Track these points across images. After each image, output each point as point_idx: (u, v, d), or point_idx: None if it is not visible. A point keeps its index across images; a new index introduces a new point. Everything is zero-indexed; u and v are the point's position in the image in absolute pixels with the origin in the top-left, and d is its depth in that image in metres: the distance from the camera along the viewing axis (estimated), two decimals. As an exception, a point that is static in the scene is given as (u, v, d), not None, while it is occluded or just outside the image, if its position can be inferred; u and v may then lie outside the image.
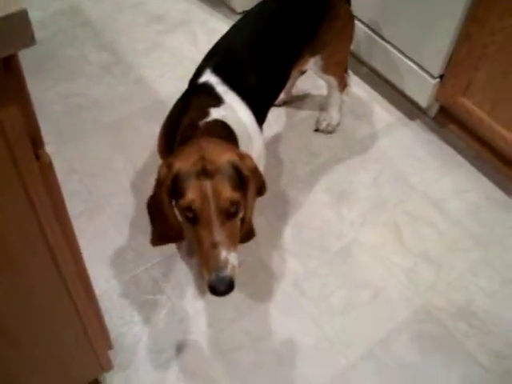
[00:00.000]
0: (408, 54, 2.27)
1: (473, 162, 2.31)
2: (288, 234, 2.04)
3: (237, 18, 2.67)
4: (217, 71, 1.64)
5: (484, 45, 1.98)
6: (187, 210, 1.37)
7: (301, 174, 2.21)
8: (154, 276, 1.90)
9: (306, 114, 2.42)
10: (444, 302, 1.92)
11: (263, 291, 1.90)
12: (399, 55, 2.30)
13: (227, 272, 1.36)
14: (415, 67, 2.26)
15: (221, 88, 1.62)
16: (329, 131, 2.35)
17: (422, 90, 2.29)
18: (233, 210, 1.38)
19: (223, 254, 1.36)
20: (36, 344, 1.19)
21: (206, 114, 1.54)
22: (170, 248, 1.97)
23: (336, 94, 2.28)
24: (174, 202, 1.43)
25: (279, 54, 1.81)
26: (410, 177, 2.24)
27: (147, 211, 1.53)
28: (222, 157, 1.39)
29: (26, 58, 2.49)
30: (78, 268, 1.16)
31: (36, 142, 0.91)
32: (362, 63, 2.53)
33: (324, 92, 2.40)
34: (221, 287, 1.36)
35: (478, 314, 1.89)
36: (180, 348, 1.76)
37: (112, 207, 2.07)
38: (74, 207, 2.03)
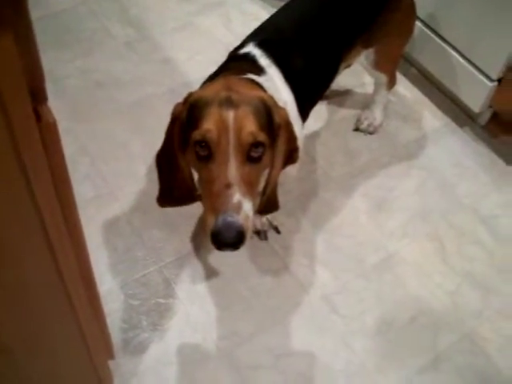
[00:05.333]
0: (465, 54, 2.04)
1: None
2: (320, 240, 1.82)
3: (276, 2, 2.48)
4: (262, 45, 1.43)
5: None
6: (200, 144, 1.14)
7: (337, 176, 1.98)
8: (167, 277, 1.69)
9: (346, 112, 2.19)
10: (491, 332, 1.69)
11: (289, 303, 1.68)
12: (455, 55, 2.07)
13: (238, 217, 1.11)
14: (471, 68, 2.04)
15: (264, 61, 1.41)
16: (369, 131, 2.12)
17: (477, 93, 2.06)
18: (255, 153, 1.16)
19: (237, 196, 1.12)
20: (22, 350, 0.96)
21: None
22: (185, 246, 1.75)
23: (383, 93, 2.06)
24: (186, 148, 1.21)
25: (331, 41, 1.61)
26: (457, 188, 2.01)
27: (156, 163, 1.32)
28: (252, 92, 1.19)
29: (44, 29, 2.31)
30: (79, 262, 0.94)
31: (37, 96, 0.69)
32: (411, 63, 2.30)
33: (368, 90, 2.18)
34: (227, 234, 1.10)
35: (532, 350, 1.66)
36: (191, 362, 1.54)
37: (125, 196, 1.86)
38: (82, 192, 1.83)
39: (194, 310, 1.63)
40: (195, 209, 1.76)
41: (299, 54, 1.50)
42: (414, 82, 2.31)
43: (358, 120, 2.13)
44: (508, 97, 1.98)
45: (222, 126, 1.12)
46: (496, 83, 1.99)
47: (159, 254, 1.73)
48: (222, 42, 2.32)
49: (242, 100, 1.15)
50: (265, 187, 1.31)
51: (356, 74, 2.23)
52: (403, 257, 1.81)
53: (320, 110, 2.16)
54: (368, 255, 1.80)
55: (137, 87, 2.17)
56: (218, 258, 1.73)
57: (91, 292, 1.07)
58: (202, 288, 1.68)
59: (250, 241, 1.77)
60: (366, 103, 2.15)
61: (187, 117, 1.19)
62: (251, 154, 1.16)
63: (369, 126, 2.11)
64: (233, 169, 1.12)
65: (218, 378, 1.52)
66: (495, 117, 2.14)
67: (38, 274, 0.85)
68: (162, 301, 1.64)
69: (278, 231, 1.80)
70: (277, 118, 1.22)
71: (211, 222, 1.12)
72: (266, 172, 1.29)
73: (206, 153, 1.15)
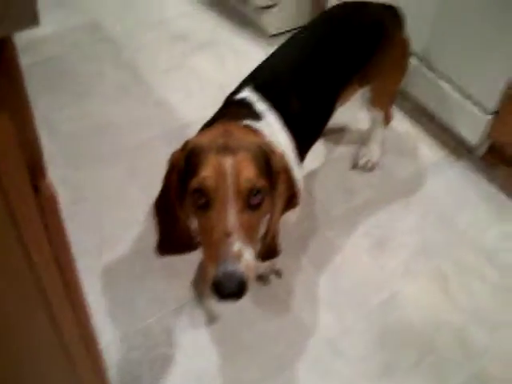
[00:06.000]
0: (460, 87, 2.05)
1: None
2: (322, 281, 1.80)
3: (267, 40, 2.50)
4: (258, 90, 1.42)
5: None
6: (199, 192, 1.12)
7: (337, 215, 1.97)
8: (168, 326, 1.66)
9: (343, 149, 2.19)
10: (501, 370, 1.66)
11: (293, 348, 1.65)
12: (450, 88, 2.08)
13: (239, 266, 1.08)
14: (467, 101, 2.04)
15: (261, 106, 1.40)
16: (368, 168, 2.11)
17: (474, 126, 2.07)
18: (255, 200, 1.14)
19: (237, 244, 1.09)
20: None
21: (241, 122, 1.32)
22: (187, 293, 1.73)
23: (379, 129, 2.06)
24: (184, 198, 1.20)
25: (327, 81, 1.61)
26: (458, 222, 2.00)
27: (153, 212, 1.30)
28: (250, 137, 1.19)
29: (39, 75, 2.31)
30: (80, 326, 0.91)
31: (36, 171, 0.67)
32: (406, 97, 2.30)
33: (363, 125, 2.18)
34: (229, 284, 1.07)
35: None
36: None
37: (124, 243, 1.84)
38: (81, 241, 1.79)
39: (197, 359, 1.60)
40: (196, 254, 1.75)
41: (296, 96, 1.49)
42: (410, 116, 2.31)
43: (356, 157, 2.13)
44: (506, 129, 1.98)
45: (220, 173, 1.11)
46: (493, 115, 1.99)
47: (160, 303, 1.71)
48: (216, 82, 2.32)
49: (239, 146, 1.14)
50: (265, 234, 1.29)
51: (351, 110, 2.23)
52: (406, 295, 1.79)
53: (317, 149, 2.14)
54: (371, 295, 1.78)
55: (132, 131, 2.16)
56: (220, 304, 1.71)
57: (92, 349, 1.04)
58: (204, 336, 1.65)
59: (252, 286, 1.74)
60: (363, 139, 2.15)
61: (185, 164, 1.18)
62: (250, 201, 1.14)
63: (367, 162, 2.11)
64: (232, 217, 1.10)
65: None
66: (493, 148, 2.14)
67: (38, 335, 0.83)
68: (164, 351, 1.61)
69: (279, 276, 1.78)
70: (275, 164, 1.20)
71: (212, 271, 1.10)
72: (266, 218, 1.27)
73: (205, 201, 1.13)
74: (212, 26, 2.62)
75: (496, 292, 1.83)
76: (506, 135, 2.00)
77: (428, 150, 2.22)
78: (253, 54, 2.44)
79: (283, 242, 1.41)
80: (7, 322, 0.77)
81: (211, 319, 1.69)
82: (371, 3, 1.78)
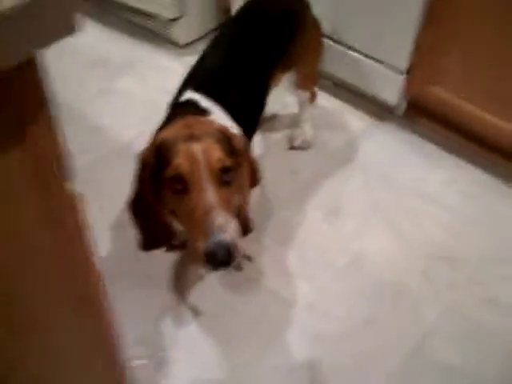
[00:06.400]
0: (371, 55, 2.21)
1: (454, 151, 2.26)
2: (290, 257, 1.91)
3: (181, 50, 2.60)
4: (199, 89, 1.52)
5: (450, 28, 1.93)
6: (175, 179, 1.23)
7: (287, 195, 2.09)
8: (161, 331, 1.72)
9: (278, 135, 2.31)
10: (468, 297, 1.82)
11: (279, 322, 1.75)
12: (362, 58, 2.24)
13: (226, 235, 1.19)
14: (381, 66, 2.21)
15: (205, 103, 1.50)
16: (305, 147, 2.25)
17: (391, 88, 2.24)
18: (227, 177, 1.26)
19: (220, 217, 1.20)
20: None
21: None
22: (168, 299, 1.79)
23: (307, 109, 2.20)
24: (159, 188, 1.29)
25: (255, 70, 1.73)
26: (398, 177, 2.16)
27: (130, 215, 1.38)
28: (210, 125, 1.31)
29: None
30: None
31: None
32: (325, 76, 2.45)
33: (293, 110, 2.31)
34: (220, 252, 1.18)
35: (507, 301, 1.81)
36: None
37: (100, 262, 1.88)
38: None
39: (194, 355, 1.66)
40: (166, 259, 1.84)
41: (233, 89, 1.60)
42: (332, 92, 2.47)
43: (291, 139, 2.25)
44: (419, 83, 2.15)
45: (192, 158, 1.21)
46: (406, 74, 2.17)
47: (145, 311, 1.76)
48: (144, 99, 2.39)
49: (203, 133, 1.25)
50: (238, 210, 1.40)
51: (278, 98, 2.35)
52: (369, 250, 1.93)
53: (255, 139, 2.26)
54: (338, 258, 1.91)
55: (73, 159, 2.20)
56: (201, 299, 1.78)
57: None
58: (195, 333, 1.71)
59: (228, 275, 1.84)
60: (294, 122, 2.28)
61: (156, 160, 1.27)
62: (223, 179, 1.25)
63: (303, 142, 2.24)
64: (211, 194, 1.21)
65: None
66: (411, 104, 2.31)
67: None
68: (163, 354, 1.67)
69: (250, 259, 1.88)
70: (237, 146, 1.32)
71: (202, 245, 1.20)
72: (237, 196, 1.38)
73: (182, 186, 1.23)
74: (126, 48, 2.69)
75: (446, 229, 2.00)
76: (420, 90, 2.17)
77: (355, 120, 2.38)
78: (170, 66, 2.54)
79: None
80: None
81: (196, 315, 1.76)
82: None
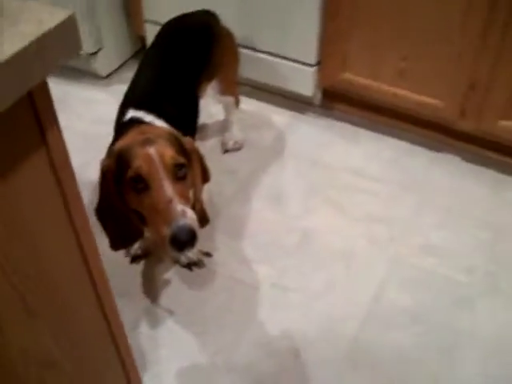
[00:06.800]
0: (282, 54, 2.43)
1: (371, 127, 2.52)
2: (245, 246, 2.08)
3: (104, 81, 2.75)
4: (139, 107, 1.68)
5: (350, 16, 2.17)
6: (136, 179, 1.39)
7: (230, 193, 2.27)
8: (146, 334, 1.86)
9: (211, 141, 2.49)
10: (407, 248, 2.05)
11: (249, 306, 1.91)
12: (274, 58, 2.45)
13: (187, 220, 1.35)
14: (292, 63, 2.42)
15: (148, 117, 1.66)
16: (237, 148, 2.44)
17: (305, 82, 2.46)
18: (181, 173, 1.42)
19: (179, 206, 1.36)
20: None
21: None
22: (141, 304, 1.92)
23: (234, 113, 2.39)
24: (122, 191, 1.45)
25: (183, 84, 1.89)
26: (325, 159, 2.39)
27: (98, 219, 1.52)
28: (163, 130, 1.49)
29: None
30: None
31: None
32: (243, 82, 2.64)
33: (218, 118, 2.51)
34: (183, 235, 1.33)
35: (439, 244, 2.05)
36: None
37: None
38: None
39: (173, 349, 1.81)
40: (133, 270, 1.98)
41: (168, 103, 1.77)
42: (253, 96, 2.67)
43: (224, 143, 2.44)
44: (330, 72, 2.38)
45: (149, 159, 1.38)
46: (317, 66, 2.39)
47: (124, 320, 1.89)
48: (81, 131, 2.51)
49: (157, 137, 1.43)
50: (194, 203, 1.56)
51: (204, 109, 2.53)
52: (314, 226, 2.13)
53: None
54: (288, 239, 2.09)
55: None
56: (173, 299, 1.93)
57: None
58: (172, 328, 1.86)
59: (193, 273, 2.00)
60: (224, 127, 2.47)
61: (117, 166, 1.42)
62: (178, 175, 1.42)
63: (235, 144, 2.43)
64: (168, 187, 1.37)
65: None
66: (326, 93, 2.55)
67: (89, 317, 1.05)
68: (147, 355, 1.80)
69: (210, 255, 2.04)
70: (187, 146, 1.51)
71: (166, 232, 1.36)
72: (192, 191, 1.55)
73: (143, 185, 1.39)
74: (55, 88, 2.78)
75: (377, 196, 2.23)
76: (331, 78, 2.40)
77: (278, 116, 2.59)
78: (97, 97, 2.67)
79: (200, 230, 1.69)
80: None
81: (171, 314, 1.90)
82: (193, 13, 2.10)
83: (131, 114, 1.68)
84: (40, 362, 0.98)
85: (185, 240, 1.35)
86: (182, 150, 1.47)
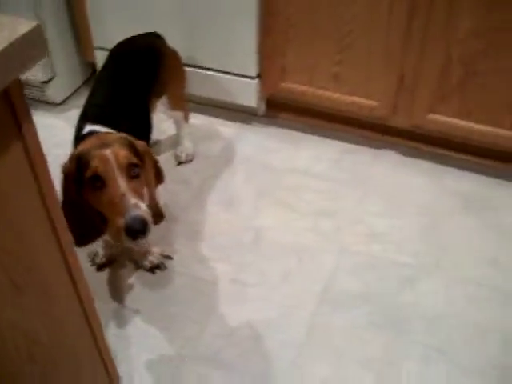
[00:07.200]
0: (225, 70, 2.60)
1: (313, 132, 2.72)
2: (203, 247, 2.22)
3: (58, 108, 2.88)
4: (96, 122, 1.81)
5: (284, 30, 2.36)
6: (94, 178, 1.53)
7: (186, 202, 2.40)
8: (118, 335, 1.97)
9: (164, 155, 2.63)
10: (354, 237, 2.23)
11: (211, 301, 2.04)
12: (218, 74, 2.62)
13: (139, 211, 1.50)
14: (235, 78, 2.60)
15: (105, 130, 1.79)
16: (189, 160, 2.59)
17: (248, 94, 2.63)
18: (134, 172, 1.57)
19: (133, 200, 1.51)
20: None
21: None
22: (109, 308, 2.03)
23: (184, 127, 2.55)
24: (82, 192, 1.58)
25: (135, 100, 2.04)
26: (272, 163, 2.57)
27: (64, 216, 1.65)
28: (118, 136, 1.64)
29: None
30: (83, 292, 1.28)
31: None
32: (190, 99, 2.79)
33: (170, 133, 2.68)
34: (136, 224, 1.47)
35: (383, 231, 2.23)
36: (168, 375, 1.85)
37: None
38: None
39: (142, 344, 1.93)
40: (103, 277, 2.10)
41: (122, 117, 1.90)
42: (201, 111, 2.84)
43: (176, 156, 2.59)
44: (271, 82, 2.57)
45: (105, 160, 1.53)
46: (257, 79, 2.57)
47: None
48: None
49: (112, 141, 1.59)
50: (149, 202, 1.70)
51: (156, 126, 2.68)
52: (266, 225, 2.29)
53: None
54: (244, 237, 2.25)
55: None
56: (139, 300, 2.05)
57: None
58: (140, 326, 1.98)
59: (156, 275, 2.13)
60: (175, 141, 2.62)
61: (77, 168, 1.56)
62: (132, 173, 1.57)
63: (187, 156, 2.58)
64: (123, 184, 1.52)
65: (202, 374, 1.84)
66: (269, 103, 2.74)
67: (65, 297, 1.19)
68: (119, 353, 1.92)
69: (170, 258, 2.17)
70: (140, 148, 1.66)
71: (121, 222, 1.49)
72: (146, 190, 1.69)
73: (100, 183, 1.54)
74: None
75: (323, 193, 2.41)
76: (272, 89, 2.59)
77: (226, 128, 2.76)
78: (53, 123, 2.78)
79: (158, 236, 1.96)
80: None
81: (137, 313, 2.02)
82: (139, 35, 2.25)
83: (88, 128, 1.81)
84: (28, 337, 1.11)
85: (137, 228, 1.48)
86: (135, 151, 1.62)
